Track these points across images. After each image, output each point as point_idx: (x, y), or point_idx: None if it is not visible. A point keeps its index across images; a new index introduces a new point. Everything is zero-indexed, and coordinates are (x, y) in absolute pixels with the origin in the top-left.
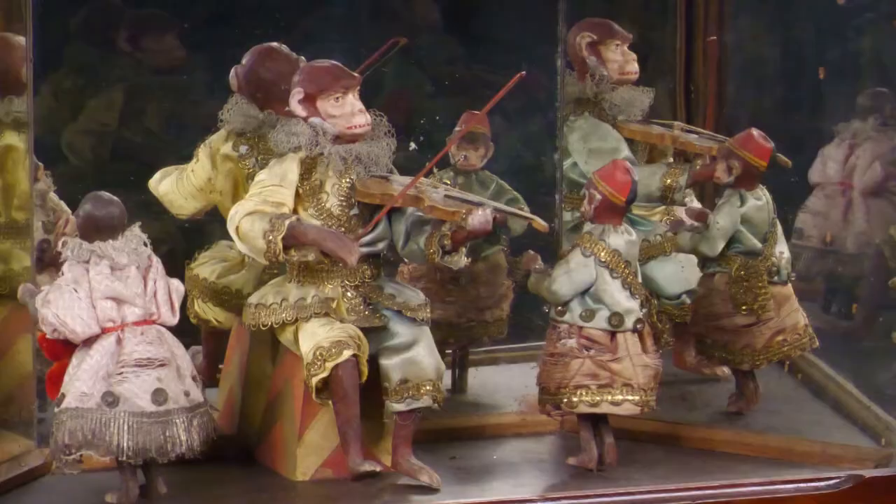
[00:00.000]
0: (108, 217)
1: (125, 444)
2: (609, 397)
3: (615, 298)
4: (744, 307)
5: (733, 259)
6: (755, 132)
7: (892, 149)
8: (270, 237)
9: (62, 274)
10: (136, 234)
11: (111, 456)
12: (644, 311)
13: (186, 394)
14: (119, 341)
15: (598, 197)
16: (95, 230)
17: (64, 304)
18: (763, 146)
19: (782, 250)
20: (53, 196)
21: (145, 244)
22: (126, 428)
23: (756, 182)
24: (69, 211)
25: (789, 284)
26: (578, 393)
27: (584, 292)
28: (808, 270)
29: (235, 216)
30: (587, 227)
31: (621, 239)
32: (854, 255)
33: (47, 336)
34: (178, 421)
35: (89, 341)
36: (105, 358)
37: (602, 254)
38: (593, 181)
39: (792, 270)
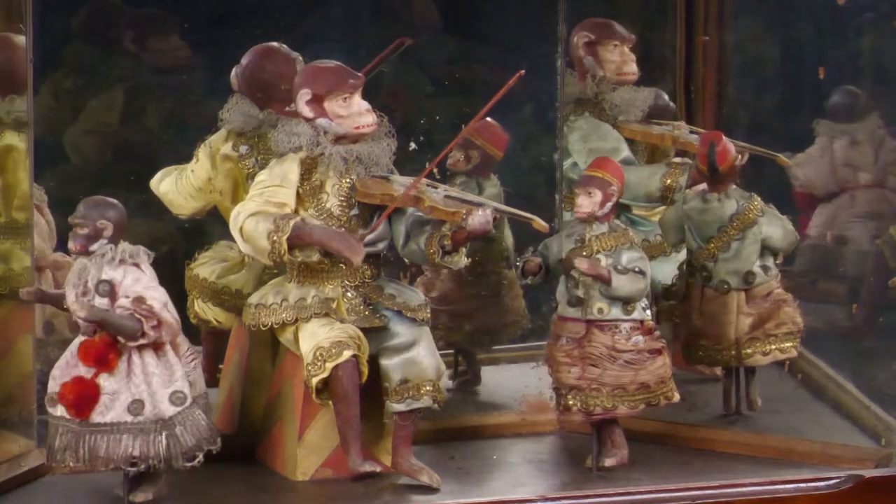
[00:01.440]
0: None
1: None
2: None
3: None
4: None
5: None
6: (704, 135)
7: None
8: (275, 238)
9: (104, 281)
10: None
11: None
12: None
13: None
14: None
15: (617, 192)
16: (122, 232)
17: (171, 306)
18: (699, 150)
19: (726, 257)
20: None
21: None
22: (205, 413)
23: (709, 184)
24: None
25: (731, 295)
26: (671, 384)
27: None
28: None
29: (239, 216)
30: (604, 226)
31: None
32: None
33: (149, 340)
34: None
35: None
36: (173, 354)
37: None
38: (606, 180)
39: (747, 284)
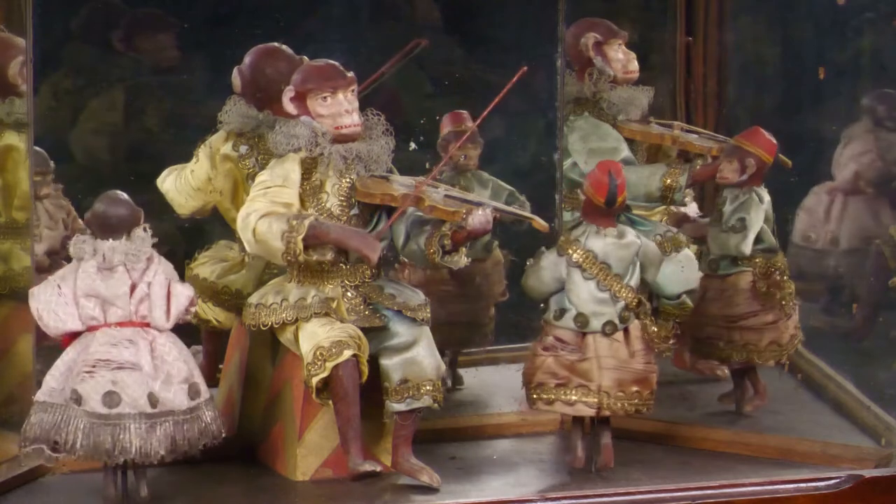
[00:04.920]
0: (114, 216)
1: (79, 444)
2: (563, 396)
3: (582, 299)
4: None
5: (757, 256)
6: (761, 129)
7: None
8: (290, 237)
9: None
10: (139, 235)
11: (66, 453)
12: (627, 314)
13: (157, 400)
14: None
15: (583, 197)
16: (100, 227)
17: (44, 299)
18: (771, 142)
19: None
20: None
21: (153, 245)
22: (81, 427)
23: (762, 179)
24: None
25: None
26: (537, 390)
27: (560, 291)
28: None
29: (250, 218)
30: (572, 226)
31: (601, 241)
32: None
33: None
34: (131, 426)
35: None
36: (77, 355)
37: (575, 254)
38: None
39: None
